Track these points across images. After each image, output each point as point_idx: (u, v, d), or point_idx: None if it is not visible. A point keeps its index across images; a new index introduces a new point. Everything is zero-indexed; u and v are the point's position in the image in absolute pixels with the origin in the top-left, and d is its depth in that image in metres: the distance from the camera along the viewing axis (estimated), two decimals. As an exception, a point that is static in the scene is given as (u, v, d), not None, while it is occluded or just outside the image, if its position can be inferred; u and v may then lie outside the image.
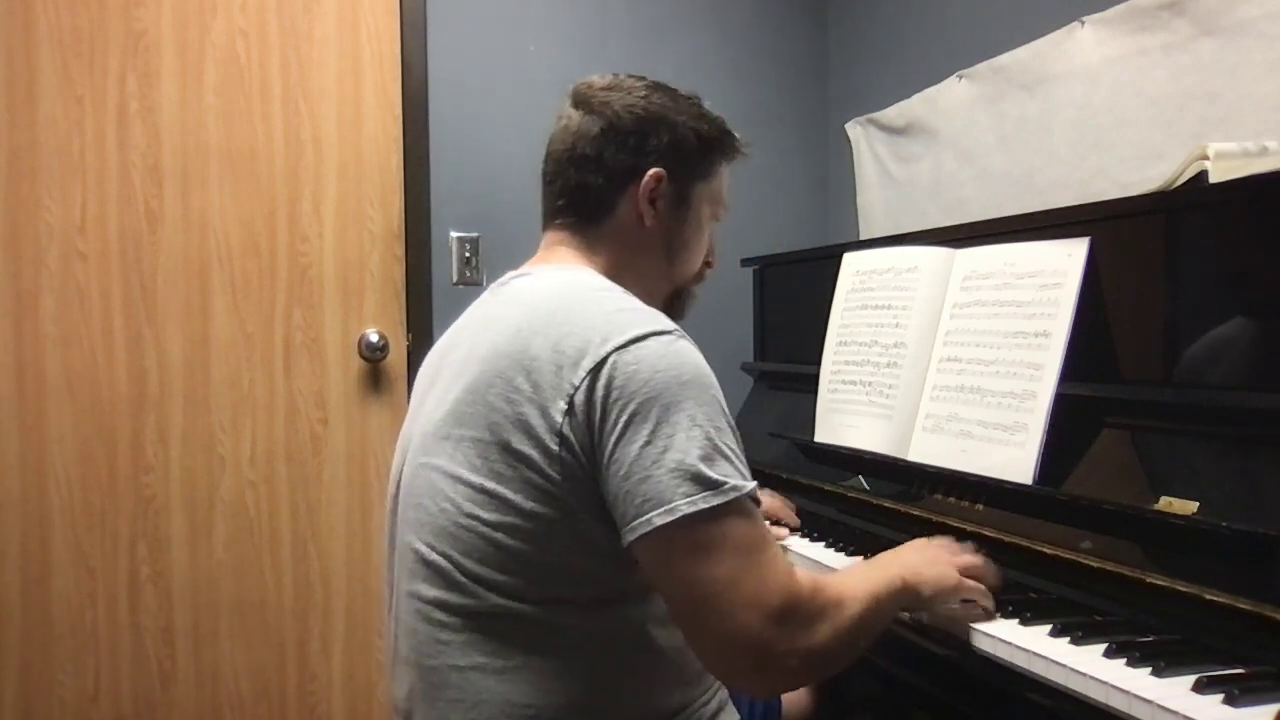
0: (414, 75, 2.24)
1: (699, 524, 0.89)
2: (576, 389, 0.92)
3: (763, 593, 0.89)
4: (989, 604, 1.10)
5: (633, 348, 0.93)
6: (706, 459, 0.90)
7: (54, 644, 2.01)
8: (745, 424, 1.98)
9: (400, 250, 2.24)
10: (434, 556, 0.99)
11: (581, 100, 1.12)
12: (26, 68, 1.98)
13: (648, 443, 0.90)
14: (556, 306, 0.99)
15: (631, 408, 0.91)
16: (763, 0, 2.58)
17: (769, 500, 1.56)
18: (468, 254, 2.30)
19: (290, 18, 2.14)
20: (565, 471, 0.93)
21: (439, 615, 0.99)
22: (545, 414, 0.93)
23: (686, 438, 0.90)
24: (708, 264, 1.21)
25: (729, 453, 0.93)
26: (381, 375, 2.23)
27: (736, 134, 1.18)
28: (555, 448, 0.93)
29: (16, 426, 1.99)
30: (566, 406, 0.92)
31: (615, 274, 1.09)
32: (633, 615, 1.00)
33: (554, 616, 0.96)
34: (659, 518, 0.88)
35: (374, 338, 2.20)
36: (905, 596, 1.03)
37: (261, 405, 2.14)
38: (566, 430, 0.92)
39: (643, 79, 1.15)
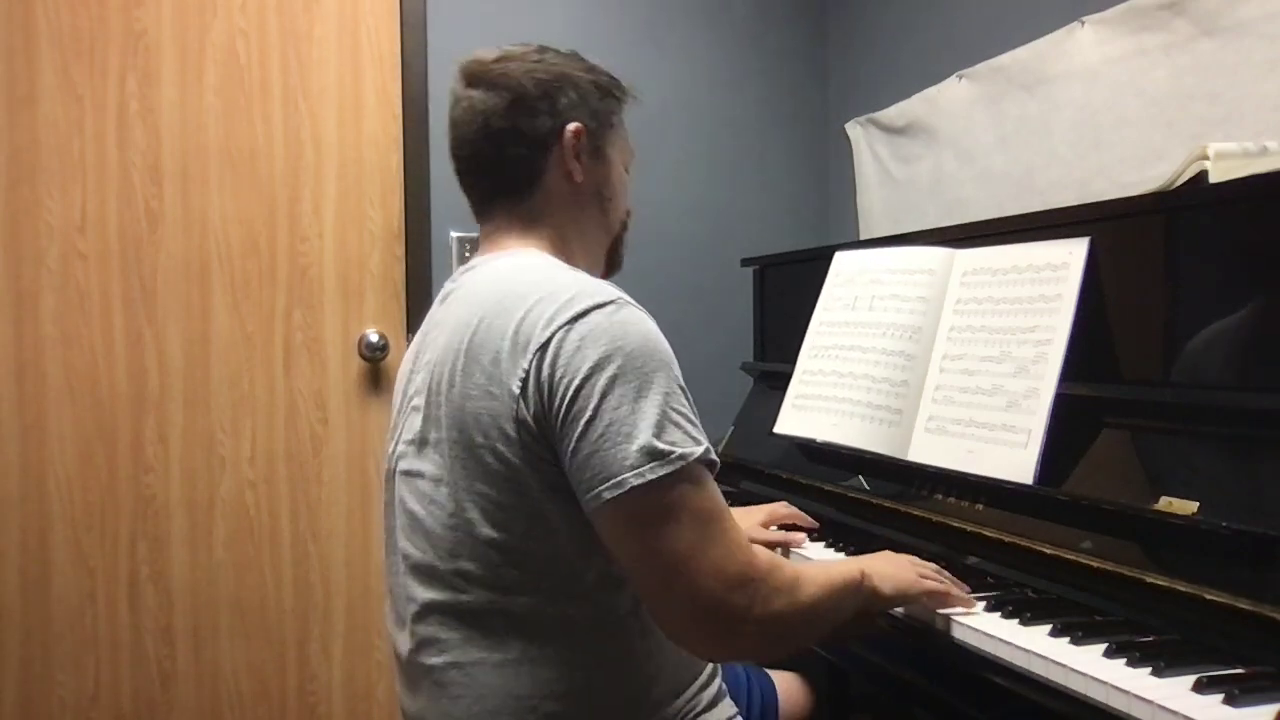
0: (414, 75, 2.24)
1: (650, 495, 0.89)
2: (528, 373, 0.92)
3: (722, 560, 0.90)
4: (959, 592, 1.11)
5: (577, 324, 0.92)
6: (656, 428, 0.89)
7: (54, 644, 2.01)
8: (745, 424, 1.98)
9: (400, 250, 2.24)
10: (424, 560, 1.01)
11: (477, 78, 1.09)
12: (26, 68, 1.98)
13: (595, 416, 0.90)
14: (502, 294, 0.98)
15: (578, 383, 0.90)
16: (762, 0, 2.58)
17: (780, 508, 1.54)
18: (468, 254, 2.30)
19: (290, 18, 2.14)
20: (527, 456, 0.94)
21: (436, 616, 1.00)
22: (501, 402, 0.93)
23: (633, 408, 0.90)
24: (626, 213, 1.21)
25: (679, 419, 0.92)
26: (381, 375, 2.23)
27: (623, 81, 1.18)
28: (514, 433, 0.93)
29: (16, 426, 1.99)
30: (519, 391, 0.92)
31: (560, 240, 1.10)
32: (625, 599, 1.00)
33: (546, 605, 0.97)
34: (608, 492, 0.89)
35: (374, 338, 2.20)
36: (865, 591, 1.05)
37: (261, 405, 2.14)
38: (523, 414, 0.92)
39: (528, 44, 1.13)
